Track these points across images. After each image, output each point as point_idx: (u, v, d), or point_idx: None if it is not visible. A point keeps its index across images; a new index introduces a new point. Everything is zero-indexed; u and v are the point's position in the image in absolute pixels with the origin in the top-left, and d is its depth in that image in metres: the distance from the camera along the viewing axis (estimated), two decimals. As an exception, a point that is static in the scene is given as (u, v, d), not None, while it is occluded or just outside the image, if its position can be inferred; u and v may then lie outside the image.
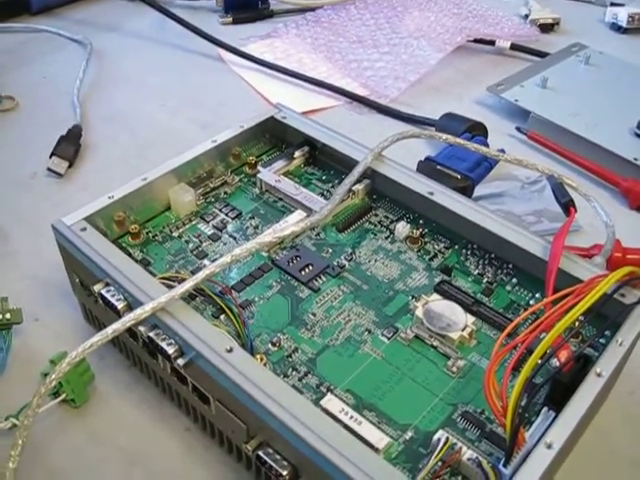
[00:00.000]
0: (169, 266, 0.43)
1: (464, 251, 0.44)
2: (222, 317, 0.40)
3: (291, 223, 0.44)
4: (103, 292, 0.39)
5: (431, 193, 0.44)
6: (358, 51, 0.72)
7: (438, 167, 0.51)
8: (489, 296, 0.41)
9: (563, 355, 0.35)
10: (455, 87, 0.72)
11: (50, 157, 0.59)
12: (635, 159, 0.59)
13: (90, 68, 0.72)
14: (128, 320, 0.36)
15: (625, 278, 0.37)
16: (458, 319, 0.39)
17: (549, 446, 0.30)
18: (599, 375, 0.33)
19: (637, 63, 0.73)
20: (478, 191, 0.56)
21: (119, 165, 0.61)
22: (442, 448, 0.33)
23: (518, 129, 0.63)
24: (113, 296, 0.38)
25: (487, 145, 0.56)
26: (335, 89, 0.67)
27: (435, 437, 0.34)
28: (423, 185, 0.45)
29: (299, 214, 0.46)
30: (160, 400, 0.41)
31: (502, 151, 0.56)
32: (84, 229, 0.41)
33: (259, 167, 0.49)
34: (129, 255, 0.43)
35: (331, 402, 0.35)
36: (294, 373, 0.37)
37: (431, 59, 0.69)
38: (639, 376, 0.43)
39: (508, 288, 0.42)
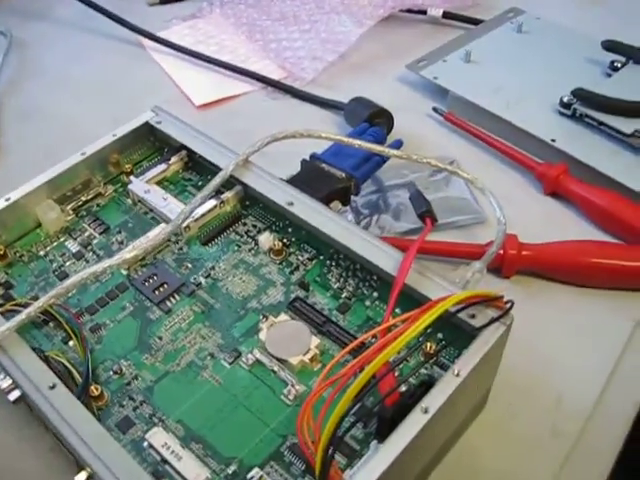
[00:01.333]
0: (30, 288, 0.43)
1: (329, 262, 0.43)
2: (71, 343, 0.40)
3: (150, 237, 0.43)
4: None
5: (290, 204, 0.43)
6: (279, 29, 0.69)
7: (322, 165, 0.49)
8: (344, 313, 0.40)
9: (385, 387, 0.34)
10: (379, 64, 0.69)
11: None
12: (553, 140, 0.56)
13: (9, 61, 0.71)
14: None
15: (468, 301, 0.35)
16: (302, 342, 0.38)
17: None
18: (425, 412, 0.32)
19: (580, 29, 0.68)
20: (388, 181, 0.54)
21: (28, 169, 0.60)
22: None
23: (435, 110, 0.61)
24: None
25: (382, 136, 0.54)
26: (249, 74, 0.65)
27: (249, 475, 0.33)
28: (284, 195, 0.43)
29: (162, 227, 0.45)
30: (29, 420, 0.41)
31: (398, 143, 0.54)
32: None
33: (131, 177, 0.48)
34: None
35: (156, 436, 0.35)
36: (130, 402, 0.37)
37: (352, 35, 0.66)
38: (518, 388, 0.41)
39: (367, 303, 0.41)
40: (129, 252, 0.40)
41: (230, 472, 0.34)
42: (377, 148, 0.47)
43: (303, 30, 0.68)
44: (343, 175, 0.49)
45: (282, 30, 0.69)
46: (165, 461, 0.34)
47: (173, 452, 0.34)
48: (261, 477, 0.33)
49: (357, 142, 0.47)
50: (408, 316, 0.34)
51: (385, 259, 0.39)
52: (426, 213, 0.41)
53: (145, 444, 0.35)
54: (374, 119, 0.57)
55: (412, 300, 0.37)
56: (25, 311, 0.37)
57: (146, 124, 0.49)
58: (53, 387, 0.35)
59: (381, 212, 0.52)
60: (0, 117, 0.65)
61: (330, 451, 0.30)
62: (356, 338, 0.38)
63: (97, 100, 0.67)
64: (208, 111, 0.64)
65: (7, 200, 0.44)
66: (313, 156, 0.50)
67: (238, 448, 0.35)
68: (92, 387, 0.37)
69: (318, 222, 0.42)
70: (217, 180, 0.44)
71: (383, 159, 0.51)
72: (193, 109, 0.65)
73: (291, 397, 0.37)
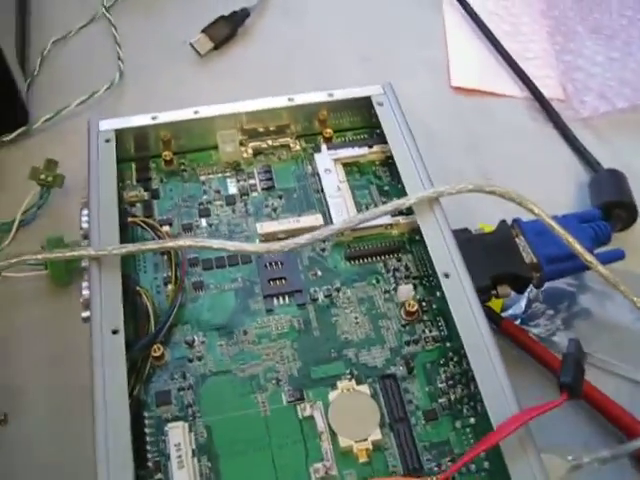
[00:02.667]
0: (170, 208, 0.42)
1: (451, 356, 0.37)
2: (169, 287, 0.39)
3: (306, 226, 0.40)
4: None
5: (446, 275, 0.37)
6: (584, 42, 0.59)
7: (517, 238, 0.42)
8: (428, 421, 0.35)
9: None
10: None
11: (201, 32, 0.58)
12: None
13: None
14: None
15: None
16: (364, 427, 0.34)
17: None
18: None
19: None
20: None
21: (259, 72, 0.58)
22: None
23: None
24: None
25: (606, 235, 0.45)
26: (524, 77, 0.57)
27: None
28: (444, 258, 0.38)
29: (316, 218, 0.41)
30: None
31: (619, 254, 0.45)
32: (108, 141, 0.41)
33: (324, 145, 0.44)
34: (147, 180, 0.43)
35: (176, 430, 0.34)
36: (180, 380, 0.36)
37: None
38: None
39: (457, 425, 0.35)
40: (277, 243, 0.37)
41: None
42: (582, 252, 0.39)
43: (611, 57, 0.58)
44: (533, 261, 0.41)
45: (587, 45, 0.59)
46: (167, 458, 0.33)
47: (180, 457, 0.33)
48: None
49: (563, 233, 0.39)
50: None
51: (500, 404, 0.33)
52: (567, 386, 0.34)
53: (165, 429, 0.34)
54: (613, 209, 0.47)
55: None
56: (147, 245, 0.37)
57: (367, 99, 0.45)
58: (115, 332, 0.34)
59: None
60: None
61: None
62: (418, 460, 0.34)
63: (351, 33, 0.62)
64: (457, 96, 0.58)
65: (195, 113, 0.43)
66: (515, 222, 0.43)
67: (240, 494, 0.33)
68: (156, 345, 0.36)
69: (460, 313, 0.36)
70: (395, 205, 0.39)
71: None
72: (445, 84, 0.58)
73: (318, 475, 0.33)
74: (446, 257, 0.38)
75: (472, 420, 0.35)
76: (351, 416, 0.34)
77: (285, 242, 0.37)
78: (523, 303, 0.46)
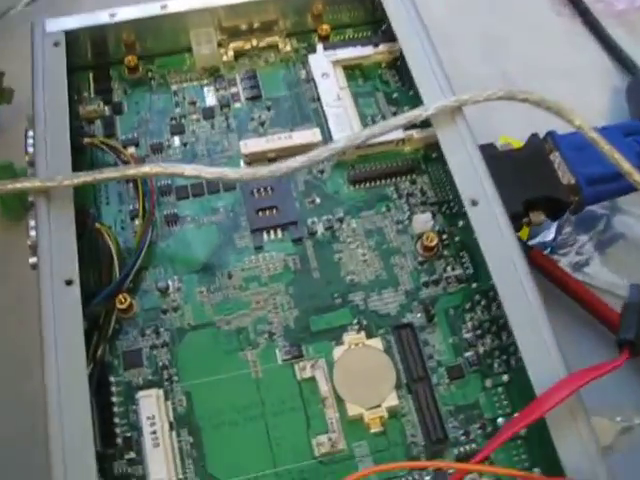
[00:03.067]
0: (137, 125, 0.35)
1: (479, 299, 0.31)
2: (136, 222, 0.32)
3: (287, 143, 0.33)
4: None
5: (474, 203, 0.30)
6: None
7: (553, 155, 0.35)
8: (452, 379, 0.29)
9: None
10: None
11: None
12: None
13: None
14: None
15: None
16: (377, 391, 0.28)
17: None
18: None
19: None
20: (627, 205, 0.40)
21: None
22: None
23: None
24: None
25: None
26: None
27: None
28: (471, 184, 0.31)
29: (313, 134, 0.34)
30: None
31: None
32: (57, 44, 0.34)
33: (320, 45, 0.37)
34: (107, 91, 0.35)
35: (148, 400, 0.28)
36: (152, 336, 0.30)
37: None
38: None
39: (487, 384, 0.29)
40: (265, 167, 0.30)
41: (205, 496, 0.26)
42: (631, 171, 0.32)
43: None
44: (571, 182, 0.34)
45: None
46: (139, 433, 0.27)
47: (154, 433, 0.27)
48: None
49: (609, 149, 0.32)
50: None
51: (542, 358, 0.27)
52: (630, 343, 0.27)
53: (135, 397, 0.28)
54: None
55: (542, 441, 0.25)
56: (107, 173, 0.30)
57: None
58: (69, 283, 0.27)
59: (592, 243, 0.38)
60: None
61: None
62: (442, 427, 0.28)
63: None
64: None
65: (163, 8, 0.35)
66: (549, 135, 0.36)
67: (227, 471, 0.27)
68: (122, 295, 0.29)
69: (491, 248, 0.29)
70: (409, 116, 0.32)
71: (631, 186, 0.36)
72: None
73: (322, 450, 0.27)
74: (473, 180, 0.31)
75: (505, 378, 0.29)
76: (361, 377, 0.28)
77: (275, 165, 0.30)
78: (553, 230, 0.40)
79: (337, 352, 0.29)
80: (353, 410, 0.28)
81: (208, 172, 0.29)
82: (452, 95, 0.33)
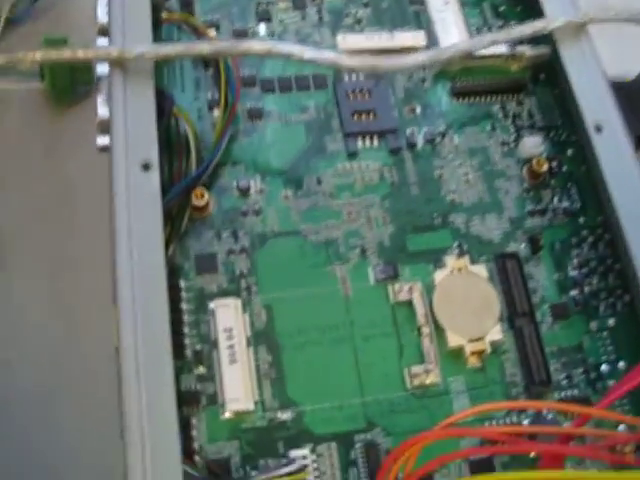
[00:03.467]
0: (218, 6, 0.31)
1: (587, 233, 0.28)
2: (215, 113, 0.28)
3: (388, 44, 0.29)
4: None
5: (598, 129, 0.27)
6: None
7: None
8: (556, 318, 0.27)
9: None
10: None
11: None
12: None
13: None
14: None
15: None
16: (480, 322, 0.25)
17: None
18: None
19: None
20: None
21: None
22: (286, 473, 0.22)
23: None
24: None
25: None
26: None
27: (295, 453, 0.23)
28: (597, 107, 0.28)
29: (415, 37, 0.30)
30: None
31: None
32: None
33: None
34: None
35: (225, 310, 0.25)
36: (229, 240, 0.26)
37: None
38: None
39: (591, 327, 0.27)
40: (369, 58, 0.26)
41: (278, 420, 0.24)
42: None
43: None
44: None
45: None
46: (212, 347, 0.24)
47: (231, 347, 0.24)
48: (302, 468, 0.22)
49: None
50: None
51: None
52: None
53: (210, 307, 0.25)
54: None
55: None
56: (197, 46, 0.26)
57: None
58: (147, 167, 0.24)
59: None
60: None
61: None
62: (548, 372, 0.25)
63: None
64: None
65: None
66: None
67: (309, 396, 0.24)
68: (198, 190, 0.26)
69: (615, 178, 0.26)
70: (533, 27, 0.28)
71: None
72: None
73: (415, 381, 0.25)
74: (598, 104, 0.28)
75: (611, 322, 0.27)
76: (463, 306, 0.25)
77: (398, 58, 0.26)
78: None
79: (439, 275, 0.26)
80: (454, 341, 0.25)
81: (324, 56, 0.25)
82: (578, 10, 0.29)
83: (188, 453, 0.23)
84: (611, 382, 0.26)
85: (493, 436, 0.21)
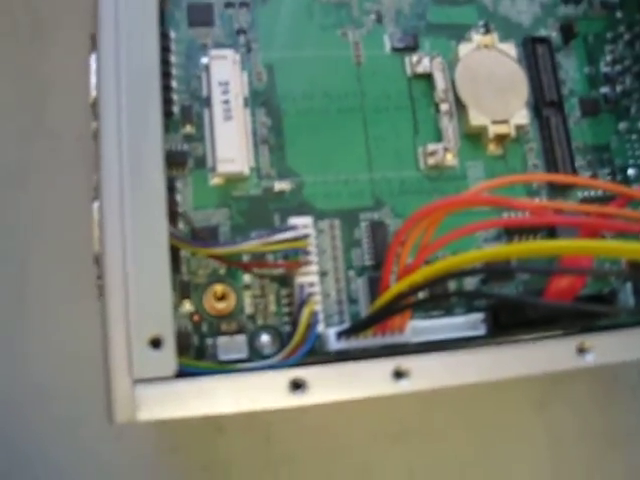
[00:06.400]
0: None
1: (622, 29, 0.25)
2: None
3: None
4: None
5: None
6: None
7: None
8: (588, 115, 0.24)
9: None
10: None
11: None
12: None
13: None
14: None
15: None
16: (505, 104, 0.22)
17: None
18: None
19: None
20: None
21: None
22: (284, 240, 0.19)
23: None
24: None
25: None
26: None
27: (292, 221, 0.20)
28: None
29: None
30: None
31: None
32: None
33: None
34: None
35: (221, 62, 0.21)
36: None
37: None
38: None
39: (622, 127, 0.24)
40: None
41: (275, 190, 0.21)
42: None
43: None
44: None
45: None
46: (204, 104, 0.21)
47: (226, 103, 0.21)
48: (307, 236, 0.20)
49: None
50: None
51: None
52: None
53: (202, 62, 0.21)
54: None
55: None
56: None
57: None
58: None
59: None
60: None
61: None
62: (573, 166, 0.23)
63: None
64: None
65: None
66: None
67: (310, 167, 0.21)
68: None
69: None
70: None
71: None
72: None
73: (430, 161, 0.22)
74: None
75: (642, 125, 0.24)
76: (489, 84, 0.23)
77: None
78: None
79: (463, 49, 0.23)
80: (476, 120, 0.22)
81: None
82: None
83: (172, 218, 0.20)
84: (637, 186, 0.24)
85: (531, 208, 0.19)
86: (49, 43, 0.28)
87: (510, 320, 0.20)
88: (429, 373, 0.18)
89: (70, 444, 0.24)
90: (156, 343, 0.17)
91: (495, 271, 0.20)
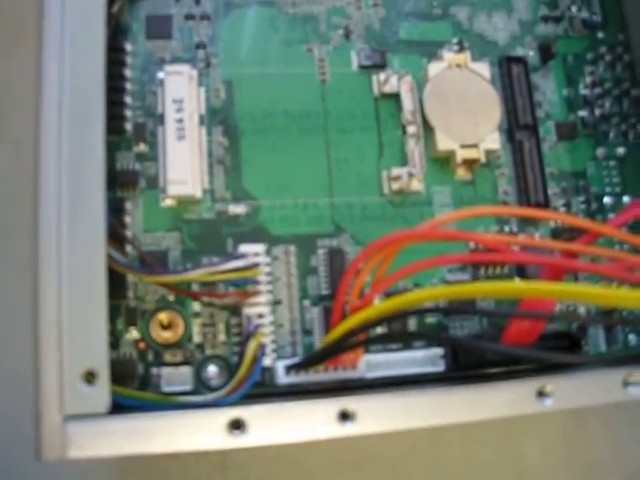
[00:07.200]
0: None
1: (603, 50, 0.24)
2: None
3: None
4: None
5: None
6: None
7: None
8: (565, 139, 0.23)
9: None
10: None
11: None
12: None
13: None
14: None
15: None
16: (475, 127, 0.21)
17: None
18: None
19: None
20: None
21: None
22: (233, 269, 0.18)
23: None
24: None
25: None
26: None
27: (243, 249, 0.19)
28: None
29: None
30: None
31: None
32: None
33: None
34: None
35: (176, 78, 0.20)
36: (187, 2, 0.22)
37: None
38: None
39: (600, 153, 0.23)
40: None
41: (229, 213, 0.20)
42: None
43: None
44: None
45: None
46: (158, 122, 0.20)
47: (180, 122, 0.20)
48: (256, 265, 0.19)
49: None
50: None
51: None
52: None
53: (158, 76, 0.20)
54: None
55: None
56: None
57: None
58: None
59: None
60: None
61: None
62: (546, 194, 0.22)
63: None
64: None
65: None
66: None
67: (268, 190, 0.20)
68: None
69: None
70: None
71: None
72: None
73: (395, 186, 0.21)
74: None
75: (620, 151, 0.23)
76: (459, 106, 0.21)
77: None
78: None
79: (433, 68, 0.22)
80: (444, 144, 0.21)
81: None
82: None
83: (119, 241, 0.19)
84: (612, 216, 0.23)
85: (487, 243, 0.18)
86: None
87: (468, 360, 0.19)
88: (376, 416, 0.17)
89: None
90: (90, 377, 0.16)
91: (454, 311, 0.19)
